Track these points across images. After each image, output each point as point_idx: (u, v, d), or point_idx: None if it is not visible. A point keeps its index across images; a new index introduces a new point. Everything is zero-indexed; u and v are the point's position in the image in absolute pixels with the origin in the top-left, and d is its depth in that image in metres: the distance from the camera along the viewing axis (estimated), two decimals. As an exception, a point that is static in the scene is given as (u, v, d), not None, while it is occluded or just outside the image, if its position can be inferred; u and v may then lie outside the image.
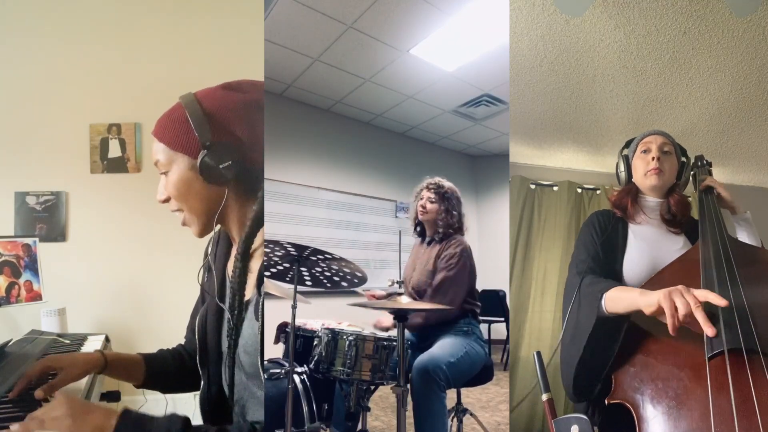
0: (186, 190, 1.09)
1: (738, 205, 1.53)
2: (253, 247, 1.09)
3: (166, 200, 1.13)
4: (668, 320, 0.98)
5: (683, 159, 1.59)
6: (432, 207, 2.27)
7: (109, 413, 0.98)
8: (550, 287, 2.87)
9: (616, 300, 1.16)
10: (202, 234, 1.13)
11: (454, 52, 3.71)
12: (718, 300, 0.96)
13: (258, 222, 1.09)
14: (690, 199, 1.58)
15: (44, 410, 0.97)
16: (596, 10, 1.98)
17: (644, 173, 1.52)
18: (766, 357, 0.96)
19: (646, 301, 1.05)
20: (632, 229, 1.49)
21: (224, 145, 1.05)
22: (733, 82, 2.31)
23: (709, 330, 0.95)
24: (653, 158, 1.50)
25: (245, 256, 1.08)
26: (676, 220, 1.50)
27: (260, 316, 1.05)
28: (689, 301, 0.97)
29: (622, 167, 1.62)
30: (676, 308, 0.98)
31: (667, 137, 1.56)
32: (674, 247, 1.46)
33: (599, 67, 2.27)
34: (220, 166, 1.05)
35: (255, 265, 1.10)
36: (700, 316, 0.96)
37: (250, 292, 1.10)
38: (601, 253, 1.39)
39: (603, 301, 1.18)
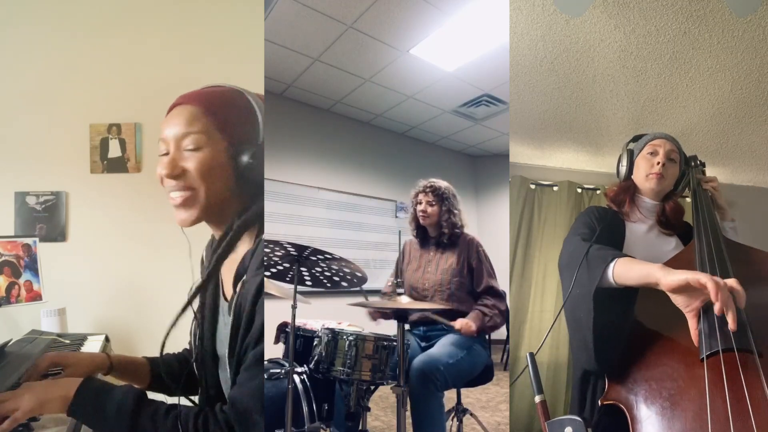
0: (212, 172, 1.07)
1: (728, 212, 1.55)
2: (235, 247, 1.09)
3: (178, 175, 1.06)
4: (711, 293, 0.94)
5: (683, 168, 1.61)
6: (433, 210, 2.25)
7: (70, 383, 1.02)
8: (550, 287, 2.87)
9: (628, 269, 1.11)
10: (192, 222, 1.10)
11: (454, 52, 3.71)
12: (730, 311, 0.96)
13: (245, 225, 1.09)
14: (688, 200, 1.59)
15: (6, 393, 1.02)
16: (596, 10, 1.98)
17: (646, 175, 1.53)
18: (761, 357, 0.96)
19: (671, 276, 1.00)
20: (628, 226, 1.50)
21: (263, 147, 1.09)
22: (733, 82, 2.31)
23: (732, 324, 0.95)
24: (659, 162, 1.51)
25: (222, 257, 1.09)
26: (670, 223, 1.52)
27: (233, 312, 1.05)
28: (730, 287, 0.96)
29: (624, 161, 1.62)
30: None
31: (676, 144, 1.57)
32: (667, 247, 1.48)
33: (599, 67, 2.27)
34: (255, 164, 1.08)
35: (233, 264, 1.10)
36: (727, 301, 0.95)
37: (229, 291, 1.10)
38: (601, 236, 1.38)
39: (612, 268, 1.14)
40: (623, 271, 1.13)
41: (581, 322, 1.19)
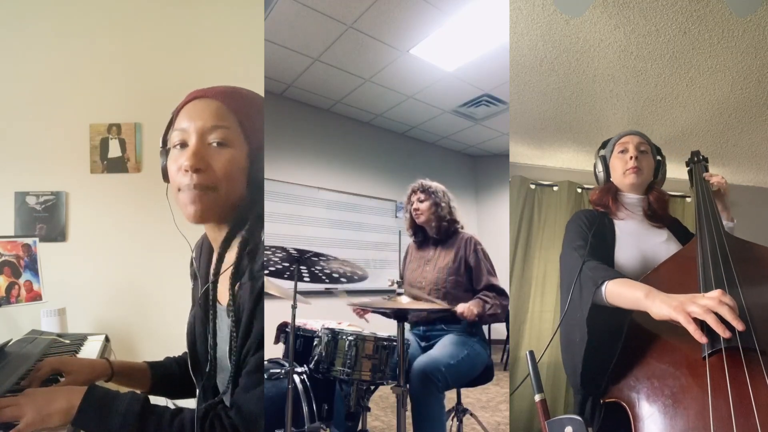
0: (234, 174, 1.05)
1: (729, 212, 1.56)
2: (231, 248, 1.09)
3: (200, 169, 1.02)
4: (690, 329, 0.97)
5: (658, 158, 1.63)
6: (425, 206, 2.27)
7: (74, 392, 1.01)
8: (550, 287, 2.87)
9: (619, 294, 1.14)
10: (201, 219, 1.07)
11: (454, 52, 3.71)
12: (731, 317, 0.95)
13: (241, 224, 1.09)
14: (688, 199, 1.59)
15: (7, 400, 1.00)
16: (596, 10, 1.98)
17: (623, 172, 1.56)
18: (764, 355, 0.95)
19: (657, 310, 1.03)
20: (617, 224, 1.51)
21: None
22: (733, 82, 2.31)
23: (724, 333, 0.94)
24: (631, 157, 1.54)
25: (221, 258, 1.09)
26: (657, 215, 1.54)
27: (233, 312, 1.03)
28: (705, 307, 0.96)
29: (600, 167, 1.65)
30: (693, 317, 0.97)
31: (643, 137, 1.60)
32: (659, 239, 1.49)
33: (599, 67, 2.27)
34: (261, 171, 1.07)
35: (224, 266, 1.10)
36: (711, 320, 0.95)
37: (223, 294, 1.09)
38: (593, 244, 1.38)
39: (604, 290, 1.16)
40: (614, 295, 1.15)
41: (574, 345, 1.20)
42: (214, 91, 1.08)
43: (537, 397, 1.06)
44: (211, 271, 1.14)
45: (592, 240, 1.38)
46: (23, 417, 0.97)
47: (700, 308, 0.97)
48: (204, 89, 1.09)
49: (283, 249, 1.69)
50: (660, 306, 1.03)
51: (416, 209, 2.29)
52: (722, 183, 1.58)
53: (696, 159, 1.73)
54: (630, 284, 1.14)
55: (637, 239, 1.47)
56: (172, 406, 1.04)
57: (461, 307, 2.03)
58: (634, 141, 1.57)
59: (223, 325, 1.08)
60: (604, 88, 2.40)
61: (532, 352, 1.12)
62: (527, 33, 2.11)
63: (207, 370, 1.13)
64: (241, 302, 1.03)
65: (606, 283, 1.16)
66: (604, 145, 1.68)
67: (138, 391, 1.06)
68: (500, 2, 2.88)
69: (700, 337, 0.96)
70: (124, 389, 1.11)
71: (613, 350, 1.15)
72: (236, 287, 1.05)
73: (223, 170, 1.04)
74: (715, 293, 0.99)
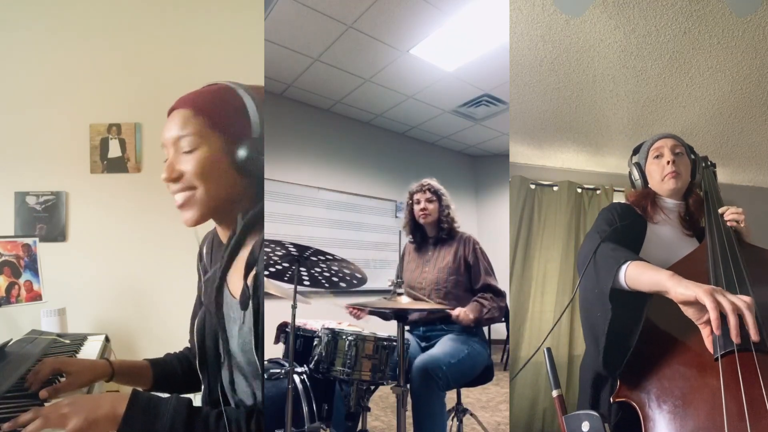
0: (210, 170, 1.07)
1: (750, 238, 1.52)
2: (243, 245, 1.10)
3: (177, 178, 1.06)
4: (712, 316, 0.93)
5: (692, 156, 1.59)
6: (433, 207, 2.27)
7: (117, 399, 1.01)
8: (550, 287, 2.87)
9: (640, 275, 1.09)
10: (197, 222, 1.10)
11: (454, 52, 3.71)
12: (752, 326, 0.93)
13: (255, 221, 1.10)
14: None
15: (51, 408, 1.00)
16: (596, 10, 1.98)
17: (661, 178, 1.52)
18: None
19: (681, 290, 0.99)
20: (650, 227, 1.47)
21: (262, 141, 1.09)
22: (733, 82, 2.32)
23: (737, 339, 0.93)
24: (668, 162, 1.50)
25: (233, 254, 1.10)
26: (693, 220, 1.50)
27: (252, 307, 1.05)
28: (734, 305, 0.94)
29: (636, 175, 1.61)
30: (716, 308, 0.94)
31: (677, 139, 1.56)
32: (689, 250, 1.44)
33: (599, 67, 2.28)
34: (254, 158, 1.08)
35: (241, 262, 1.11)
36: (733, 321, 0.93)
37: (235, 286, 1.11)
38: (621, 236, 1.34)
39: (624, 271, 1.12)
40: (635, 275, 1.10)
41: (596, 322, 1.17)
42: (183, 99, 1.11)
43: (554, 393, 1.06)
44: (234, 266, 1.15)
45: (621, 230, 1.33)
46: (69, 423, 0.97)
47: (730, 303, 0.94)
48: (179, 99, 1.12)
49: (283, 246, 1.68)
50: (687, 286, 0.99)
51: (424, 209, 2.28)
52: (738, 218, 1.44)
53: (704, 164, 1.70)
54: (652, 267, 1.10)
55: (667, 245, 1.44)
56: None
57: (458, 311, 2.03)
58: (669, 144, 1.53)
59: (235, 316, 1.09)
60: (604, 88, 2.40)
61: (549, 349, 1.12)
62: (527, 33, 2.11)
63: (215, 364, 1.13)
64: (261, 293, 1.05)
65: (628, 263, 1.12)
66: (635, 152, 1.64)
67: (182, 396, 1.06)
68: (500, 2, 2.88)
69: (717, 328, 0.93)
70: (127, 388, 1.11)
71: (632, 336, 1.11)
72: (250, 277, 1.07)
73: (195, 171, 1.06)
74: (747, 298, 0.97)
